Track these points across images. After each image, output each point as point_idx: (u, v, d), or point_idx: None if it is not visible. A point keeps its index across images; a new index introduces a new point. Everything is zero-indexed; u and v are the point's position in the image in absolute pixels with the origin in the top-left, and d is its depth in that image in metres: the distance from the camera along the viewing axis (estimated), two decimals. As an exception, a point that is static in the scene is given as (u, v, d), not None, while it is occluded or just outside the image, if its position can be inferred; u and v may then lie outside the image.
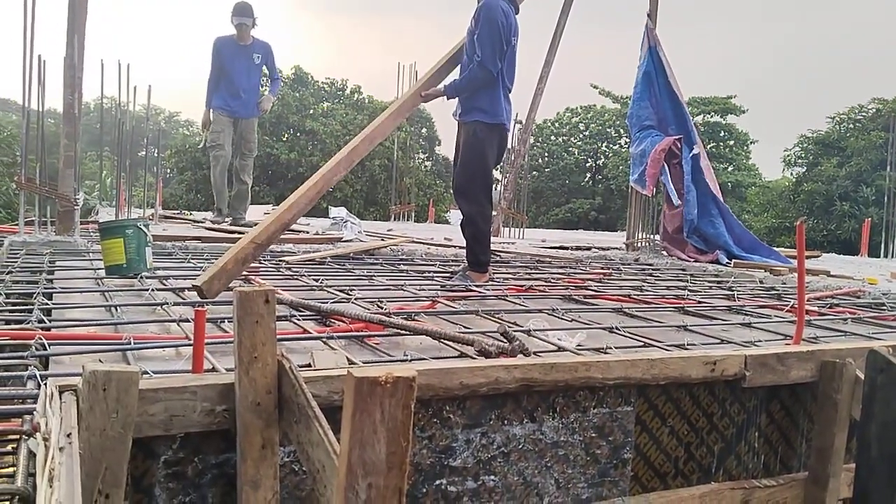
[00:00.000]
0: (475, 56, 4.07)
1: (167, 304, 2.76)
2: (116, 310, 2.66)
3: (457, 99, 4.28)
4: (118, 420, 1.38)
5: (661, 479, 2.30)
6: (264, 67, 7.31)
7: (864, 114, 21.45)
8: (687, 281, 4.93)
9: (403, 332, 2.43)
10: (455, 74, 4.36)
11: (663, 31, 7.18)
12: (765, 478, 2.45)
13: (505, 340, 2.24)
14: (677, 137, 6.85)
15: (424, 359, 2.13)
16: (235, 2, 6.90)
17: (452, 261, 5.27)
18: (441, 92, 4.24)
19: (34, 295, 2.73)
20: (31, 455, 1.30)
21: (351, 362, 2.04)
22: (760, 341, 2.75)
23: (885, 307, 3.98)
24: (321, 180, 3.71)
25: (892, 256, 10.14)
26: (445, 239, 7.22)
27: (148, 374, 1.76)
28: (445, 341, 2.35)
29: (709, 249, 6.64)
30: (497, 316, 3.00)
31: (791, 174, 23.55)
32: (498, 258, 5.65)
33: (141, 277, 3.44)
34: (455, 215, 12.98)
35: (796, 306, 2.74)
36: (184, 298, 3.02)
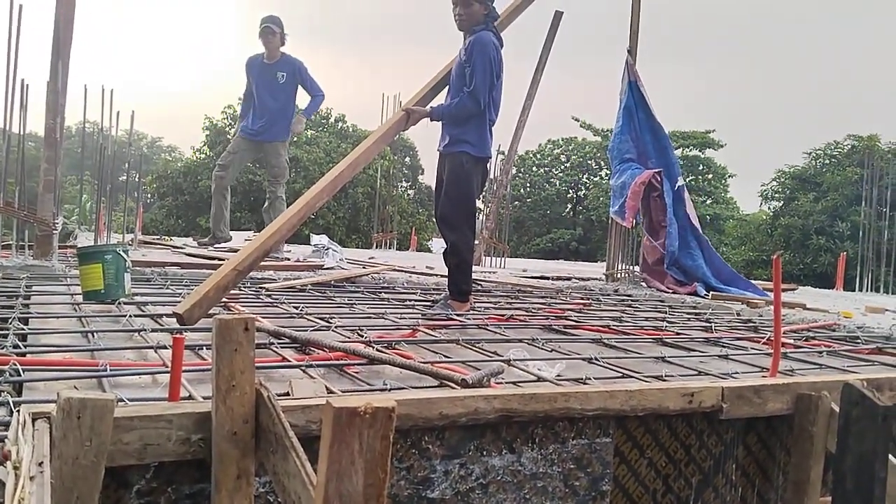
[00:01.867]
0: (465, 87, 4.13)
1: (145, 330, 2.73)
2: (93, 336, 2.63)
3: (441, 131, 4.33)
4: (91, 448, 1.36)
5: (640, 511, 2.29)
6: (299, 87, 6.84)
7: (839, 150, 21.87)
8: (665, 312, 4.96)
9: (379, 362, 2.42)
10: (440, 100, 4.41)
11: (643, 67, 7.32)
12: (742, 510, 2.45)
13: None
14: (657, 171, 6.94)
15: (404, 388, 2.12)
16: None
17: (434, 289, 5.27)
18: (426, 113, 4.28)
19: (9, 320, 2.69)
20: (1, 484, 1.28)
21: (330, 391, 2.03)
22: (737, 373, 2.77)
23: (859, 340, 4.03)
24: (304, 206, 3.71)
25: (867, 290, 10.27)
26: (427, 267, 7.23)
27: (123, 401, 1.74)
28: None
29: (687, 281, 6.70)
30: (477, 345, 3.00)
31: (768, 208, 23.89)
32: (479, 287, 5.66)
33: (119, 303, 3.41)
34: (437, 244, 13.00)
35: (773, 339, 2.76)
36: (162, 325, 2.99)
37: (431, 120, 4.30)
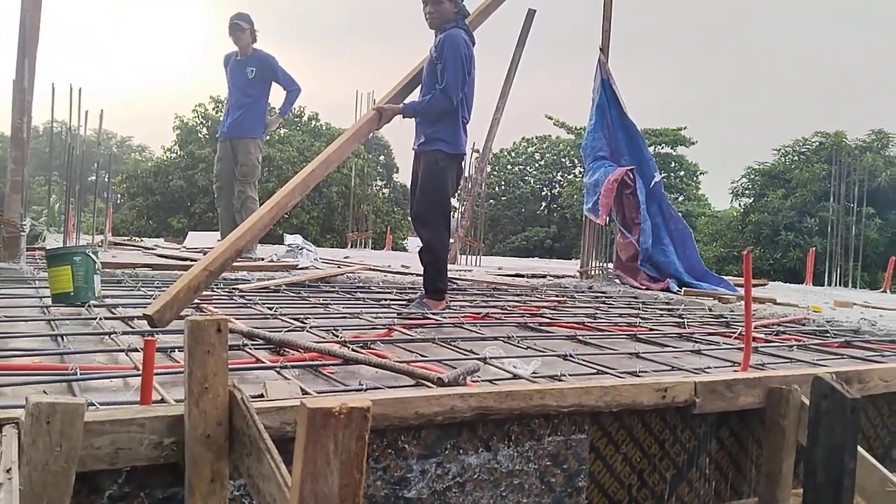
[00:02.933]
0: (436, 84, 4.13)
1: (115, 333, 2.69)
2: (63, 339, 2.59)
3: (416, 129, 4.32)
4: (62, 454, 1.34)
5: (615, 506, 2.31)
6: (272, 83, 6.75)
7: (808, 146, 22.22)
8: (639, 308, 5.00)
9: (354, 362, 2.41)
10: (413, 98, 4.40)
11: (615, 65, 7.38)
12: (716, 504, 2.49)
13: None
14: (630, 168, 7.00)
15: (380, 388, 2.12)
16: None
17: (409, 288, 5.26)
18: (399, 110, 4.27)
19: (-25, 324, 2.64)
20: (-32, 492, 1.25)
21: (305, 392, 2.01)
22: (710, 368, 2.81)
23: (828, 334, 4.10)
24: (276, 206, 3.68)
25: (836, 285, 10.46)
26: (402, 266, 7.22)
27: (94, 405, 1.71)
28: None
29: (660, 277, 6.77)
30: (453, 343, 3.00)
31: (739, 205, 24.20)
32: (455, 285, 5.66)
33: (89, 306, 3.35)
34: (412, 242, 12.99)
35: (744, 333, 2.80)
36: (133, 327, 2.95)
37: (404, 117, 4.30)
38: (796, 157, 22.44)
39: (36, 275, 4.49)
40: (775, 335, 3.97)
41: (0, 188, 5.59)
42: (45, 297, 3.59)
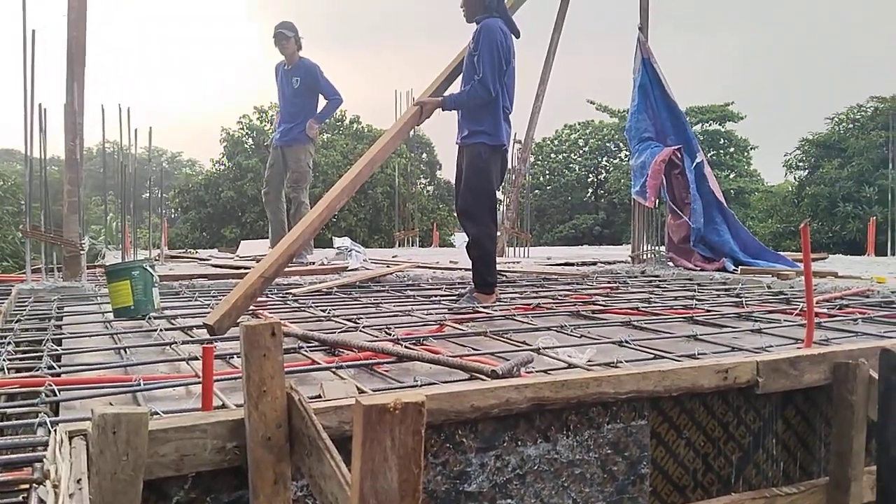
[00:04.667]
0: (475, 76, 4.12)
1: (176, 343, 2.76)
2: (126, 352, 2.67)
3: (458, 123, 4.32)
4: (129, 463, 1.38)
5: (681, 492, 2.27)
6: (320, 93, 6.87)
7: (862, 113, 21.42)
8: (694, 290, 4.91)
9: (407, 359, 2.42)
10: (454, 89, 4.39)
11: (655, 43, 7.24)
12: (785, 485, 2.42)
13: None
14: (677, 147, 6.87)
15: (434, 383, 2.12)
16: None
17: (459, 283, 5.27)
18: (438, 103, 4.26)
19: (43, 341, 2.74)
20: (42, 503, 1.30)
21: (360, 391, 2.03)
22: (772, 347, 2.73)
23: (895, 305, 3.95)
24: (325, 208, 3.72)
25: (900, 254, 10.08)
26: (451, 262, 7.22)
27: (158, 414, 1.76)
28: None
29: (715, 257, 6.62)
30: (505, 336, 2.99)
31: (793, 178, 23.47)
32: (504, 278, 5.64)
33: (149, 318, 3.45)
34: (459, 238, 12.99)
35: (805, 309, 2.72)
36: (192, 336, 3.02)
37: (444, 110, 4.29)
38: (851, 125, 21.66)
39: (97, 291, 4.64)
40: (839, 309, 3.85)
41: (58, 210, 5.78)
42: (107, 311, 3.70)
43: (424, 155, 28.83)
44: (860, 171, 19.64)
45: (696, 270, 6.48)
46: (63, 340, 2.90)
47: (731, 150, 28.39)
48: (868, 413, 2.34)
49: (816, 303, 3.62)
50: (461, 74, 4.32)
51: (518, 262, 7.95)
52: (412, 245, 12.71)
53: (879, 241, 10.35)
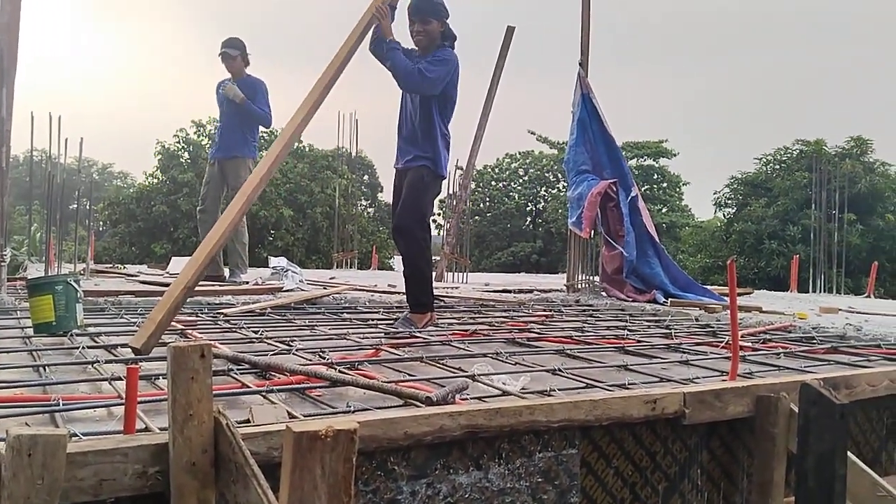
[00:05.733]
0: (424, 66, 4.08)
1: (98, 361, 2.65)
2: (45, 370, 2.55)
3: (399, 148, 4.32)
4: (44, 487, 1.31)
5: (609, 521, 2.29)
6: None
7: (788, 154, 22.44)
8: (626, 321, 5.01)
9: (341, 384, 2.39)
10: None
11: (595, 78, 7.43)
12: (709, 515, 2.47)
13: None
14: (612, 181, 7.04)
15: (368, 409, 2.09)
16: None
17: (397, 307, 5.24)
18: (390, 33, 4.15)
19: (-46, 357, 2.60)
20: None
21: (292, 416, 1.99)
22: (698, 378, 2.81)
23: (815, 341, 4.12)
24: (252, 191, 3.47)
25: (820, 291, 10.54)
26: (389, 285, 7.19)
27: (77, 436, 1.68)
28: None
29: (646, 289, 6.79)
30: (441, 361, 2.99)
31: (722, 215, 24.37)
32: (442, 303, 5.65)
33: (71, 335, 3.31)
34: (399, 262, 12.97)
35: (731, 343, 2.81)
36: (116, 355, 2.91)
37: (384, 49, 4.14)
38: (777, 166, 22.66)
39: (18, 305, 4.44)
40: (762, 343, 3.98)
41: (-20, 218, 5.51)
42: (27, 327, 3.54)
43: (366, 177, 28.81)
44: (785, 210, 20.52)
45: (628, 301, 6.63)
46: (-23, 356, 2.76)
47: (665, 185, 29.31)
48: (788, 445, 2.42)
49: (741, 336, 3.74)
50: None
51: (457, 288, 7.97)
52: (351, 267, 12.61)
53: (802, 278, 10.80)
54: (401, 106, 4.38)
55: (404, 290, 4.36)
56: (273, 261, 7.92)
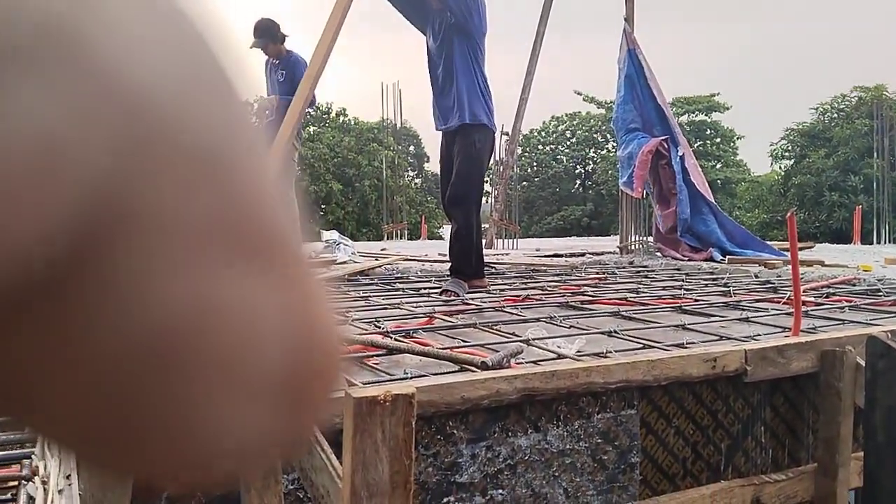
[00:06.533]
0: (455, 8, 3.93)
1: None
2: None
3: (440, 107, 4.20)
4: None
5: (670, 480, 2.28)
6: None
7: (847, 103, 21.61)
8: (682, 280, 4.93)
9: (397, 352, 2.42)
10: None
11: (641, 34, 7.24)
12: (774, 472, 2.44)
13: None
14: (664, 138, 6.89)
15: (425, 375, 2.12)
16: None
17: (448, 276, 5.26)
18: None
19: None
20: (31, 500, 1.29)
21: (350, 384, 2.03)
22: (759, 335, 2.75)
23: (880, 293, 3.99)
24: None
25: (885, 242, 10.18)
26: (440, 254, 7.21)
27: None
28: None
29: (702, 247, 6.66)
30: (495, 327, 2.99)
31: (779, 168, 23.67)
32: (493, 270, 5.65)
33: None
34: (448, 231, 13.00)
35: (793, 298, 2.74)
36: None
37: None
38: (836, 115, 21.85)
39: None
40: (825, 297, 3.88)
41: None
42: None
43: (412, 147, 28.81)
44: (845, 161, 19.81)
45: (683, 260, 6.52)
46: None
47: (718, 140, 28.55)
48: (855, 400, 2.36)
49: (803, 291, 3.64)
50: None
51: (507, 254, 7.96)
52: (401, 238, 12.70)
53: (865, 230, 10.45)
54: (430, 64, 4.22)
55: (452, 258, 4.32)
56: (325, 235, 8.02)
